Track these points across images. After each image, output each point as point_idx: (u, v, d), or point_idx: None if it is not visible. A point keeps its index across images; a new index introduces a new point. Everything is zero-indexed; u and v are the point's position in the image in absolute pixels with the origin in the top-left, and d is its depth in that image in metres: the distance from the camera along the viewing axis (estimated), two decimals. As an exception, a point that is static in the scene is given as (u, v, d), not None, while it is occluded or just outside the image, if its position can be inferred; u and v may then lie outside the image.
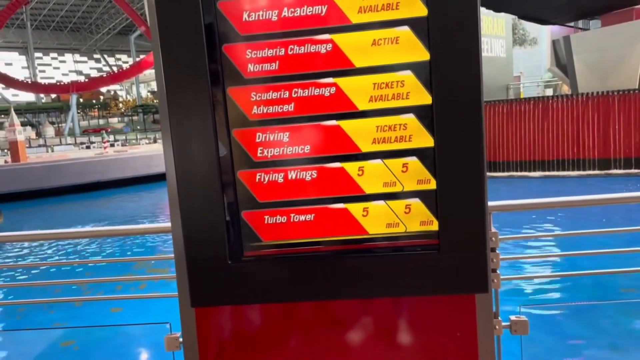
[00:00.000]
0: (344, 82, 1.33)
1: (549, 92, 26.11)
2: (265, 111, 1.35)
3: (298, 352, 1.51)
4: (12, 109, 23.27)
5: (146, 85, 70.12)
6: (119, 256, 9.09)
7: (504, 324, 1.91)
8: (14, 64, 61.70)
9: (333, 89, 1.33)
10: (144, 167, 21.69)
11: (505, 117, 16.26)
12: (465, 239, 1.33)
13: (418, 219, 1.36)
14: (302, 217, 1.39)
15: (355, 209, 1.37)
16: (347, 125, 1.34)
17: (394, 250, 1.39)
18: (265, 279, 1.40)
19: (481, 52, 1.28)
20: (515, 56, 26.65)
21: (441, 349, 1.48)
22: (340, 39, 1.31)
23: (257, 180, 1.38)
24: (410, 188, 1.35)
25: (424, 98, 1.31)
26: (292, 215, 1.39)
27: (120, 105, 64.31)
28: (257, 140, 1.37)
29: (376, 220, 1.37)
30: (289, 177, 1.37)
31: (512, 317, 1.94)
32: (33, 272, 8.48)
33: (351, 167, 1.36)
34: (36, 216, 16.12)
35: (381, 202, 1.36)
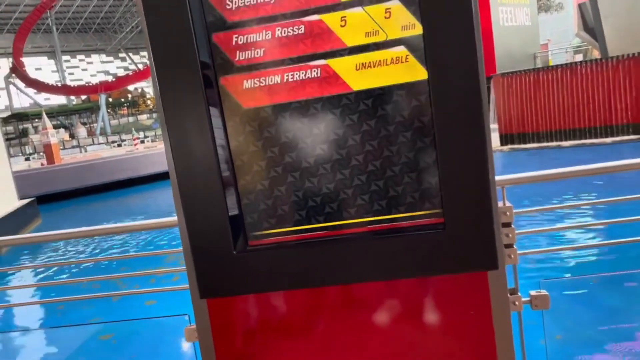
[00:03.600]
0: None
1: (579, 58, 25.29)
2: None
3: (315, 336, 1.50)
4: (44, 113, 23.86)
5: (172, 81, 70.57)
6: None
7: (524, 299, 1.86)
8: (43, 68, 63.05)
9: None
10: (173, 161, 21.93)
11: (533, 87, 15.83)
12: (470, 215, 1.30)
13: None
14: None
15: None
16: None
17: (398, 231, 1.36)
18: (270, 268, 1.40)
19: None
20: (541, 23, 25.88)
21: (456, 328, 1.46)
22: None
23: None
24: None
25: None
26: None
27: (149, 102, 65.21)
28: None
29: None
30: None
31: (532, 292, 1.89)
32: (73, 270, 8.75)
33: None
34: (71, 216, 16.56)
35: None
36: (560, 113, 15.68)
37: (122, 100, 59.95)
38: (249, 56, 1.32)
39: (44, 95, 52.53)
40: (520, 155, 15.52)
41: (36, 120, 43.44)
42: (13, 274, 8.99)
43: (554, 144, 15.90)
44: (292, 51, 1.31)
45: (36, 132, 38.54)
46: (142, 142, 32.10)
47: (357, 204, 1.37)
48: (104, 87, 42.65)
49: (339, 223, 1.38)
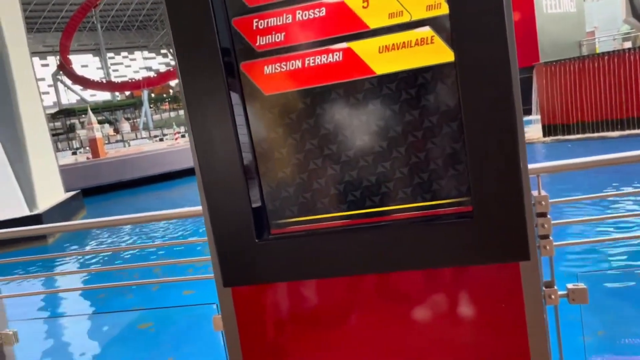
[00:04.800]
0: None
1: (628, 45, 24.24)
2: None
3: (339, 325, 1.48)
4: (89, 109, 24.62)
5: (212, 75, 71.59)
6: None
7: (560, 292, 1.78)
8: (89, 65, 64.94)
9: None
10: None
11: (577, 76, 15.27)
12: (499, 204, 1.24)
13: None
14: None
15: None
16: None
17: (426, 220, 1.32)
18: (292, 256, 1.38)
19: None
20: (588, 10, 24.93)
21: (487, 320, 1.40)
22: None
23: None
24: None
25: None
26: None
27: (189, 96, 66.12)
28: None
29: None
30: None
31: (569, 285, 1.81)
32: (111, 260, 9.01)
33: None
34: (114, 208, 17.00)
35: None
36: (607, 102, 15.07)
37: (164, 95, 61.14)
38: (270, 41, 1.30)
39: (90, 91, 54.11)
40: (564, 146, 15.02)
41: (83, 115, 44.82)
42: (58, 262, 9.32)
43: (600, 134, 15.31)
44: (313, 35, 1.28)
45: (83, 127, 39.78)
46: (183, 136, 32.59)
47: (381, 192, 1.33)
48: (147, 83, 43.58)
49: (361, 212, 1.34)
